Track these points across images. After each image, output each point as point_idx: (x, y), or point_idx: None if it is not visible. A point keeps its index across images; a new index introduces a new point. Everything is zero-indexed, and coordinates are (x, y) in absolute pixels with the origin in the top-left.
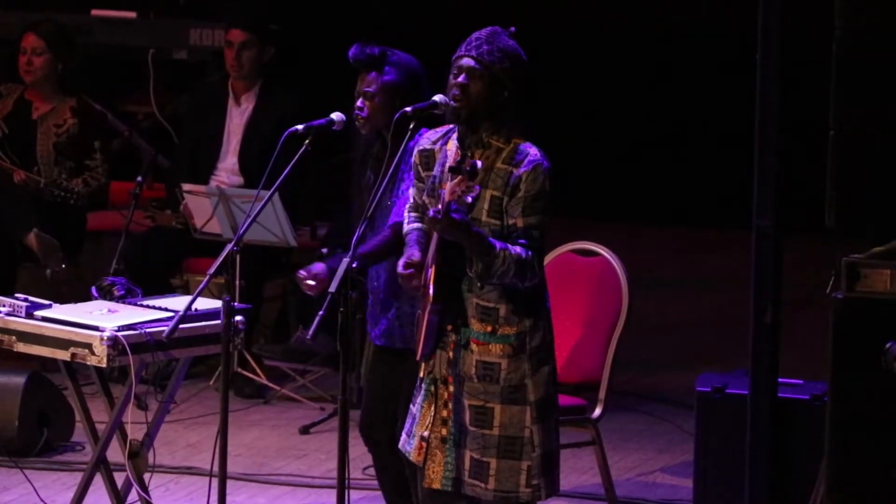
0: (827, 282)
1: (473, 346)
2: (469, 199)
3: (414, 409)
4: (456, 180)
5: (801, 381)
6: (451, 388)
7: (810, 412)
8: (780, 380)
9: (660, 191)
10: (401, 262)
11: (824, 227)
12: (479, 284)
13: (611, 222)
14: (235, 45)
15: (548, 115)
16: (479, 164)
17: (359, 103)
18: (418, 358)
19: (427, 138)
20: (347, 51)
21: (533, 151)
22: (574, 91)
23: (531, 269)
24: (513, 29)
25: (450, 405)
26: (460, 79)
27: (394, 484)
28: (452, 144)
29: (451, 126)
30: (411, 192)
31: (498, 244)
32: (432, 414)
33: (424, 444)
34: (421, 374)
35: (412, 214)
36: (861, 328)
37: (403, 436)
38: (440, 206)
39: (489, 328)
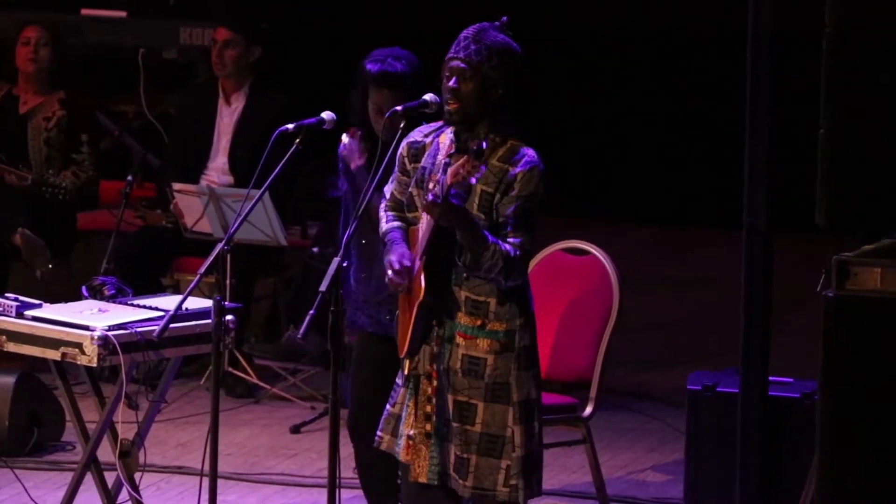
0: (817, 280)
1: (460, 340)
2: (473, 181)
3: (393, 409)
4: (461, 161)
5: (791, 380)
6: (435, 384)
7: (801, 410)
8: (770, 378)
9: (650, 189)
10: (394, 261)
11: (815, 225)
12: (464, 275)
13: (601, 221)
14: (219, 43)
15: (539, 113)
16: (485, 144)
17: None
18: (403, 354)
19: (419, 131)
20: (335, 48)
21: (530, 153)
22: (565, 90)
23: (517, 269)
24: (504, 19)
25: (433, 400)
26: (451, 82)
27: (376, 480)
28: (446, 137)
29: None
30: (388, 188)
31: (490, 237)
32: (416, 410)
33: (411, 441)
34: (405, 371)
35: (391, 213)
36: (851, 326)
37: (387, 436)
38: (439, 191)
39: (478, 322)
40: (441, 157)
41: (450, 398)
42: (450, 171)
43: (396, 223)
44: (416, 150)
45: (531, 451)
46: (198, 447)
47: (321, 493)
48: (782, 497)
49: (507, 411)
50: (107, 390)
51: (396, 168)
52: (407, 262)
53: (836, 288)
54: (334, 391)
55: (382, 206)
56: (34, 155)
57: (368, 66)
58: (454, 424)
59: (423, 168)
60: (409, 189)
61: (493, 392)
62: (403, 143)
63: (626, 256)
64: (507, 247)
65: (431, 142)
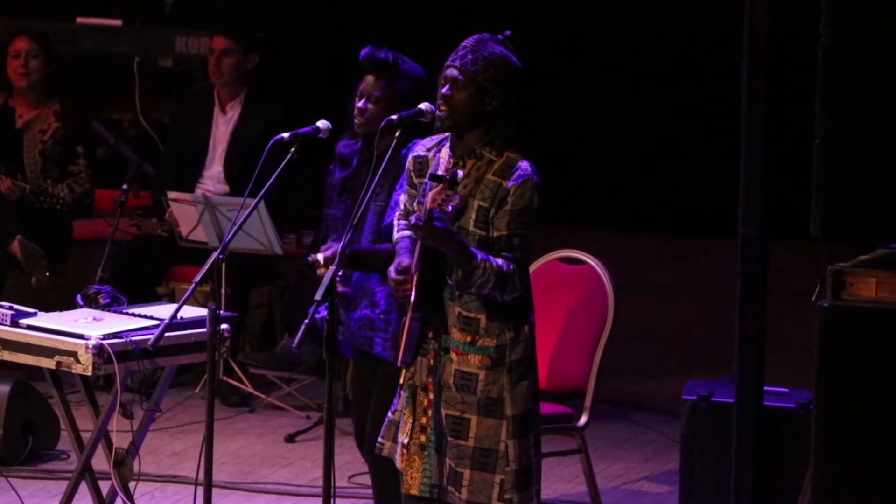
0: (813, 290)
1: (453, 355)
2: (449, 209)
3: (394, 416)
4: (436, 189)
5: (786, 390)
6: (431, 396)
7: (796, 420)
8: (765, 388)
9: (645, 198)
10: (392, 269)
11: (811, 234)
12: (457, 293)
13: (596, 230)
14: (216, 51)
15: (535, 123)
16: (460, 173)
17: (360, 104)
18: (398, 364)
19: (422, 145)
20: (331, 56)
21: (524, 165)
22: (561, 100)
23: (511, 283)
24: (508, 33)
25: (429, 412)
26: (444, 89)
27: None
28: (445, 152)
29: (447, 134)
30: (402, 199)
31: (479, 254)
32: (412, 421)
33: (405, 450)
34: (401, 381)
35: (402, 222)
36: (847, 336)
37: (388, 442)
38: (422, 213)
39: (469, 338)
40: (441, 173)
41: (443, 412)
42: (428, 197)
43: (406, 232)
44: (421, 165)
45: (525, 464)
46: (192, 456)
47: (316, 502)
48: None
49: (500, 425)
50: (101, 399)
51: (405, 181)
52: (406, 264)
53: (831, 298)
54: (329, 400)
55: (396, 215)
56: (30, 167)
57: (360, 53)
58: (448, 438)
59: (426, 184)
60: (415, 205)
61: (485, 407)
62: (410, 158)
63: (622, 265)
64: (500, 261)
65: (433, 157)
